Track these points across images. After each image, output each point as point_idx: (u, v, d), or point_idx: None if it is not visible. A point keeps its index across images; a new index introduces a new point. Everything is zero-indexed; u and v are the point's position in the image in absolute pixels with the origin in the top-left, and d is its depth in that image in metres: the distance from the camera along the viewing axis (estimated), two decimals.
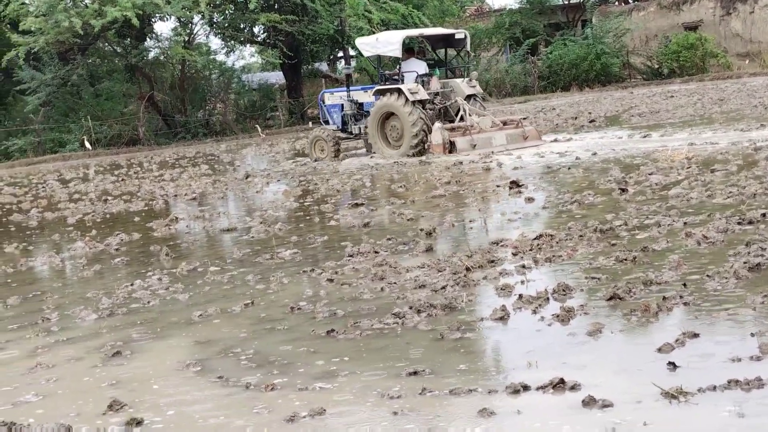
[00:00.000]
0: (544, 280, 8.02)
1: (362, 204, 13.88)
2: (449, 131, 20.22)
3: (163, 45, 42.77)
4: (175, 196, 18.82)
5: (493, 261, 8.94)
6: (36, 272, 11.67)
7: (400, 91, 20.46)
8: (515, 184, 13.87)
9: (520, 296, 7.46)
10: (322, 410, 5.50)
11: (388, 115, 21.02)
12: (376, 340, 6.87)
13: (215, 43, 46.87)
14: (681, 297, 6.89)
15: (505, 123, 21.45)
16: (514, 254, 9.16)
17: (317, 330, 7.27)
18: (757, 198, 10.59)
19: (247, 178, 20.50)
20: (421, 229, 11.07)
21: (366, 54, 24.46)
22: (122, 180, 23.56)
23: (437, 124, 20.17)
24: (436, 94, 21.50)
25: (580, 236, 9.53)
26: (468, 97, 21.36)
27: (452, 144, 19.92)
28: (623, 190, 12.21)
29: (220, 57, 46.63)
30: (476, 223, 11.55)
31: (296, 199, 15.85)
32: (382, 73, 22.73)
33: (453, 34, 22.94)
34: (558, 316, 6.85)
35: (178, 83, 39.91)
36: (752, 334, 5.98)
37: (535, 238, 9.61)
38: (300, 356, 6.69)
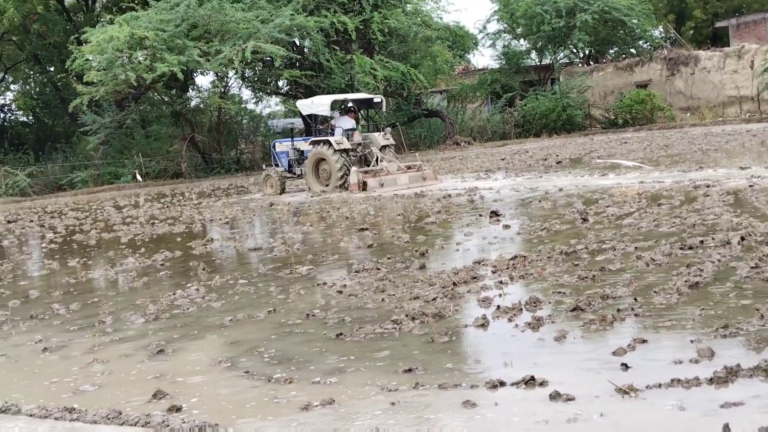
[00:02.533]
0: (518, 294, 8.01)
1: (366, 229, 13.88)
2: (363, 174, 22.21)
3: (202, 95, 42.96)
4: (211, 220, 18.82)
5: (475, 277, 8.93)
6: (94, 283, 11.66)
7: (329, 142, 22.55)
8: (495, 214, 13.87)
9: (498, 307, 7.46)
10: (332, 400, 5.49)
11: (320, 160, 23.04)
12: (378, 343, 6.85)
13: (246, 93, 46.98)
14: (632, 309, 6.89)
15: (408, 167, 23.41)
16: (494, 272, 9.15)
17: (328, 333, 7.26)
18: (696, 227, 10.60)
19: (271, 206, 20.52)
20: (416, 250, 11.07)
21: (304, 113, 26.11)
22: (167, 207, 23.57)
23: (354, 168, 22.20)
24: (359, 144, 23.61)
25: (549, 257, 9.53)
26: (383, 148, 23.47)
27: (365, 183, 21.81)
28: (584, 220, 12.22)
29: (250, 105, 46.83)
30: (461, 245, 11.53)
31: (312, 224, 15.85)
32: (316, 127, 24.23)
33: (372, 99, 25.22)
34: (529, 324, 6.85)
35: (214, 127, 39.99)
36: (692, 341, 5.98)
37: (510, 259, 9.61)
38: (314, 355, 6.68)
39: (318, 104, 24.05)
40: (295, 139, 25.56)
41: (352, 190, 21.64)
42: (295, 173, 24.74)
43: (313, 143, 23.38)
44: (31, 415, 5.78)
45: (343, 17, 34.82)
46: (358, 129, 24.39)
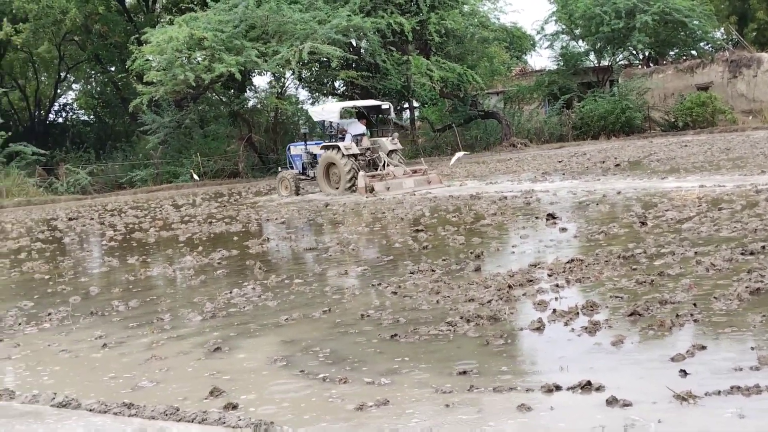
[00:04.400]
0: (575, 297, 7.96)
1: (421, 230, 13.88)
2: (370, 177, 23.02)
3: (260, 95, 43.29)
4: (267, 220, 18.97)
5: (531, 280, 8.89)
6: (152, 280, 11.81)
7: (338, 148, 23.57)
8: (551, 217, 13.78)
9: (554, 311, 7.42)
10: (386, 401, 5.51)
11: (331, 164, 24.02)
12: (432, 344, 6.86)
13: (303, 94, 47.15)
14: (692, 315, 6.81)
15: (414, 171, 24.20)
16: (550, 275, 9.11)
17: (383, 334, 7.28)
18: (757, 232, 10.42)
19: (326, 206, 20.61)
20: (471, 252, 11.04)
21: (315, 119, 26.99)
22: (224, 206, 23.81)
23: (361, 173, 23.01)
24: (367, 149, 24.43)
25: (606, 261, 9.45)
26: (390, 152, 24.44)
27: (371, 187, 22.54)
28: (643, 224, 12.09)
29: (306, 106, 47.04)
30: (517, 248, 11.48)
31: (367, 225, 15.89)
32: (327, 133, 25.61)
33: (380, 105, 26.38)
34: (586, 328, 6.80)
35: (271, 127, 40.27)
36: (752, 348, 5.90)
37: (567, 262, 9.55)
38: (368, 355, 6.71)
39: (328, 111, 25.50)
40: (308, 143, 26.32)
41: (360, 193, 22.47)
42: (308, 176, 25.73)
43: (324, 148, 24.58)
44: (90, 410, 5.88)
45: (400, 18, 34.81)
46: (367, 134, 25.27)
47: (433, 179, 23.75)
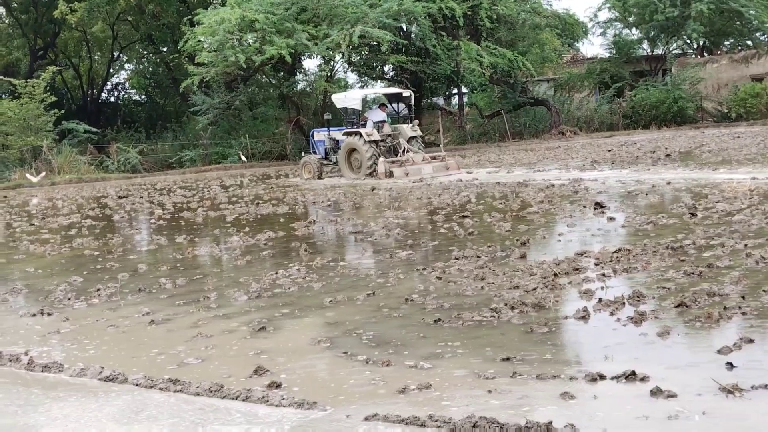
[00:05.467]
0: (621, 287, 7.89)
1: (467, 216, 13.84)
2: (390, 163, 23.88)
3: (309, 78, 43.37)
4: (314, 202, 19.05)
5: (577, 269, 8.83)
6: (200, 259, 11.93)
7: (360, 134, 24.34)
8: (599, 206, 13.67)
9: (600, 300, 7.37)
10: (429, 385, 5.51)
11: (352, 150, 24.75)
12: (476, 330, 6.85)
13: (352, 78, 47.18)
14: (740, 308, 6.72)
15: (433, 158, 24.89)
16: (596, 264, 9.04)
17: (426, 318, 7.28)
18: None
19: (372, 190, 20.64)
20: (517, 239, 11.00)
21: (338, 105, 27.06)
22: (271, 188, 23.96)
23: (381, 158, 23.81)
24: (388, 135, 25.02)
25: (654, 252, 9.35)
26: (410, 139, 25.18)
27: (391, 172, 23.41)
28: (693, 215, 11.94)
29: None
30: (564, 236, 11.41)
31: (413, 210, 15.88)
32: (349, 119, 26.31)
33: (401, 93, 27.32)
34: (632, 318, 6.75)
35: (320, 110, 40.29)
36: None
37: (614, 252, 9.47)
38: (411, 339, 6.71)
39: (351, 98, 26.34)
40: (331, 129, 26.96)
41: (380, 178, 23.30)
42: (330, 161, 26.47)
43: (346, 134, 25.34)
44: (137, 385, 5.96)
45: (451, 3, 34.63)
46: (388, 121, 26.09)
47: (451, 165, 24.41)
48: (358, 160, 24.59)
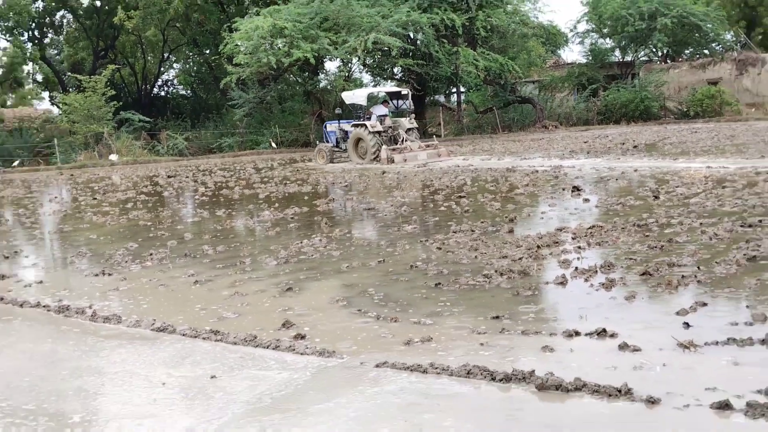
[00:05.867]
0: (594, 258, 7.87)
1: (464, 196, 13.81)
2: (391, 151, 24.25)
3: (330, 78, 43.11)
4: (333, 183, 19.01)
5: (557, 242, 8.81)
6: (236, 230, 11.94)
7: (365, 126, 24.77)
8: (576, 189, 13.61)
9: (576, 268, 7.36)
10: (430, 338, 5.53)
11: (359, 139, 25.08)
12: (470, 293, 6.85)
13: (366, 77, 46.90)
14: (695, 276, 6.70)
15: (427, 146, 25.61)
16: (573, 238, 9.01)
17: (428, 282, 7.28)
18: (755, 208, 10.19)
19: (383, 173, 20.58)
20: (506, 216, 10.97)
21: (347, 102, 27.14)
22: (297, 171, 23.92)
23: (384, 147, 24.30)
24: (389, 127, 25.42)
25: (623, 228, 9.32)
26: (408, 130, 25.55)
27: (392, 159, 23.82)
28: (656, 197, 11.89)
29: (369, 88, 46.82)
30: (546, 214, 11.37)
31: (417, 191, 15.85)
32: (356, 113, 26.58)
33: (401, 91, 27.93)
34: (603, 284, 6.74)
35: (339, 104, 40.22)
36: (747, 306, 5.81)
37: (589, 228, 9.44)
38: (415, 300, 6.72)
39: (358, 96, 26.57)
40: (341, 121, 27.19)
41: (382, 163, 23.73)
42: (340, 148, 26.65)
43: (354, 126, 25.57)
44: (184, 335, 5.99)
45: (452, 15, 34.40)
46: (389, 115, 26.23)
47: (442, 153, 24.89)
48: (364, 148, 24.96)
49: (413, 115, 27.55)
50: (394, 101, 27.92)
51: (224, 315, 6.58)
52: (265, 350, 5.49)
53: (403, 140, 25.15)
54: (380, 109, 26.20)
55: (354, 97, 26.74)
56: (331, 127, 27.67)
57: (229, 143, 37.47)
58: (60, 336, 6.20)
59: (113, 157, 32.76)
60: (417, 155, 24.31)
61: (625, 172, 16.35)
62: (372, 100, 26.88)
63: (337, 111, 27.92)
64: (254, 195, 16.77)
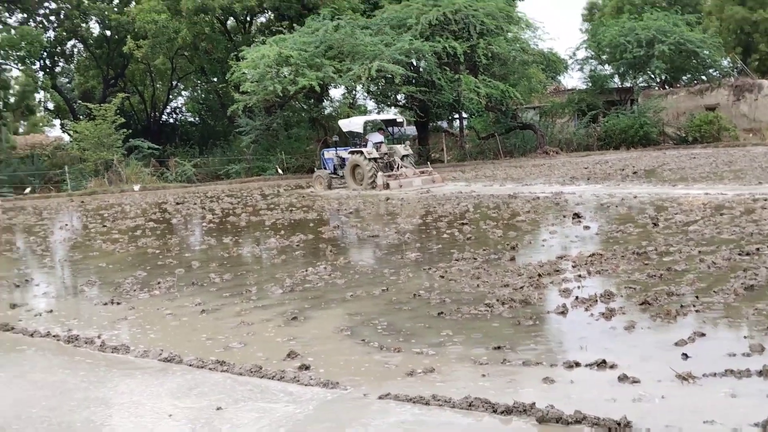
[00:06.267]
0: (595, 287, 7.87)
1: (466, 223, 13.83)
2: (387, 177, 24.60)
3: (334, 104, 43.36)
4: (338, 210, 19.02)
5: (558, 270, 8.82)
6: (243, 258, 11.95)
7: (362, 153, 25.23)
8: (576, 216, 13.63)
9: (577, 298, 7.36)
10: (432, 369, 5.53)
11: (356, 166, 25.50)
12: (472, 322, 6.85)
13: (370, 104, 47.11)
14: (694, 306, 6.70)
15: (422, 172, 25.82)
16: (574, 266, 9.02)
17: (431, 312, 7.29)
18: (753, 236, 10.20)
19: (387, 200, 20.62)
20: (507, 244, 10.98)
21: (344, 129, 27.73)
22: (302, 197, 23.98)
23: (380, 173, 24.65)
24: (385, 154, 25.86)
25: (622, 256, 9.33)
26: (403, 157, 25.96)
27: (387, 184, 24.13)
28: (655, 225, 11.90)
29: (373, 115, 47.00)
30: (547, 242, 11.38)
31: (420, 217, 15.87)
32: (353, 140, 27.21)
33: (395, 119, 28.53)
34: (603, 314, 6.74)
35: (336, 132, 40.37)
36: (745, 337, 5.80)
37: (589, 256, 9.45)
38: (418, 330, 6.72)
39: (355, 123, 26.83)
40: (338, 148, 27.71)
41: (378, 189, 24.03)
42: (338, 174, 27.00)
43: (351, 152, 26.00)
44: (190, 365, 6.00)
45: (454, 43, 34.60)
46: (385, 142, 26.89)
47: (436, 179, 25.19)
48: (361, 174, 25.31)
49: (408, 142, 28.20)
50: (390, 128, 28.61)
51: (230, 345, 6.58)
52: (270, 381, 5.49)
53: (398, 166, 25.61)
54: (376, 137, 26.72)
55: (351, 124, 27.03)
56: (329, 154, 28.18)
57: (236, 170, 37.61)
58: (69, 366, 6.21)
59: (136, 187, 33.01)
60: (412, 181, 24.70)
61: (625, 198, 16.37)
62: (368, 127, 27.37)
63: (334, 138, 28.28)
64: (261, 222, 16.80)
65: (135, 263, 11.78)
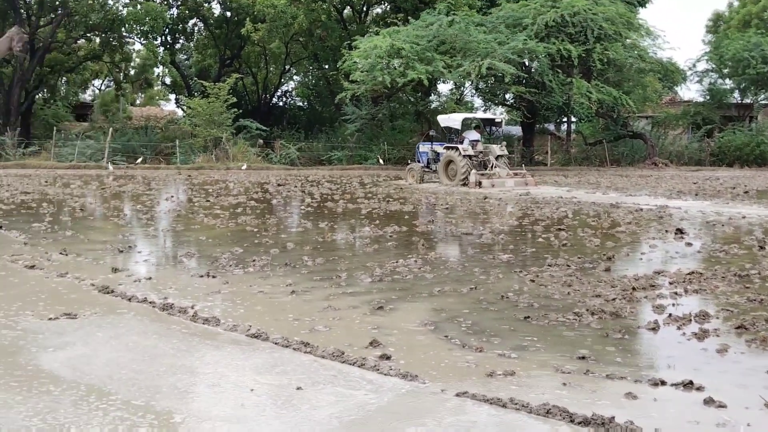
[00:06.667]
0: (690, 306, 7.63)
1: (563, 229, 13.62)
2: (480, 175, 24.68)
3: (442, 99, 43.38)
4: (434, 204, 19.06)
5: (653, 285, 8.60)
6: (336, 244, 12.13)
7: (457, 149, 25.49)
8: (680, 231, 13.22)
9: (670, 315, 7.16)
10: (513, 372, 5.49)
11: (450, 162, 25.70)
12: (559, 329, 6.76)
13: (477, 101, 46.89)
14: None
15: (516, 174, 25.86)
16: (671, 283, 8.77)
17: (517, 315, 7.23)
18: None
19: (485, 198, 20.51)
20: (604, 254, 10.77)
21: (442, 124, 27.77)
22: (401, 189, 24.11)
23: (473, 171, 24.75)
24: (480, 152, 26.05)
25: (723, 277, 9.01)
26: (498, 157, 26.04)
27: (480, 183, 24.25)
28: (762, 248, 11.42)
29: (479, 113, 46.77)
30: (645, 255, 11.09)
31: (517, 219, 15.73)
32: (449, 137, 27.19)
33: (494, 119, 28.76)
34: (696, 334, 6.53)
35: (432, 127, 40.36)
36: None
37: (688, 274, 9.17)
38: (503, 331, 6.68)
39: (453, 119, 27.06)
40: (433, 143, 27.77)
41: (470, 186, 24.14)
42: (431, 169, 27.27)
43: (447, 148, 26.22)
44: (276, 343, 6.14)
45: (569, 46, 34.02)
46: (482, 140, 26.92)
47: (530, 182, 25.23)
48: (454, 170, 25.47)
49: (504, 143, 28.25)
50: (488, 128, 28.69)
51: (316, 327, 6.70)
52: (351, 367, 5.57)
53: (492, 166, 25.71)
54: (473, 134, 26.77)
55: (449, 120, 27.23)
56: (424, 148, 28.45)
57: (339, 156, 38.10)
58: (162, 332, 6.46)
59: (243, 166, 33.97)
60: (505, 182, 24.80)
61: (733, 218, 15.78)
62: (466, 124, 27.47)
63: (431, 132, 28.48)
64: (357, 210, 16.99)
65: (233, 239, 12.12)
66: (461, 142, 26.09)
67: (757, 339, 6.32)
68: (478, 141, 26.52)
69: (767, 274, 9.28)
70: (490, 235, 12.80)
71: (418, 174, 26.91)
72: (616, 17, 35.44)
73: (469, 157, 25.41)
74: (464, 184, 24.60)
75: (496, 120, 28.48)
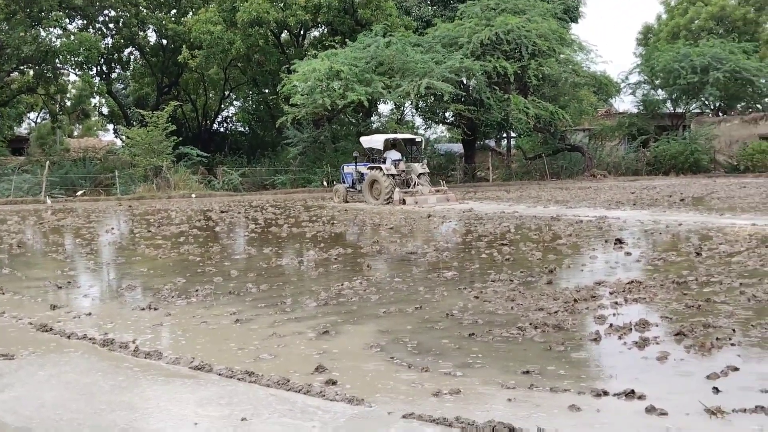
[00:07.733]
0: (630, 315, 7.74)
1: (506, 244, 13.75)
2: (404, 193, 25.98)
3: (382, 120, 43.61)
4: (378, 225, 19.07)
5: (594, 296, 8.72)
6: (281, 269, 12.02)
7: (381, 169, 26.57)
8: (619, 241, 13.46)
9: (611, 325, 7.26)
10: (459, 390, 5.49)
11: (374, 181, 26.74)
12: (503, 345, 6.80)
13: (418, 121, 47.28)
14: (730, 339, 6.57)
15: (437, 191, 27.00)
16: (611, 293, 8.90)
17: (462, 332, 7.25)
18: None
19: (429, 217, 20.61)
20: (546, 267, 10.90)
21: (365, 145, 28.69)
22: (345, 210, 24.09)
23: (397, 189, 25.99)
24: (402, 171, 27.22)
25: (661, 285, 9.19)
26: (420, 175, 27.27)
27: (404, 200, 25.43)
28: (698, 254, 11.70)
29: (420, 131, 47.13)
30: (586, 266, 11.26)
31: (461, 236, 15.82)
32: (372, 157, 28.17)
33: (414, 138, 29.66)
34: (636, 343, 6.64)
35: (355, 149, 40.58)
36: None
37: (627, 283, 9.33)
38: (448, 350, 6.69)
39: (375, 141, 28.11)
40: (357, 164, 28.57)
41: (395, 204, 25.23)
42: (356, 189, 28.18)
43: (371, 168, 27.24)
44: (219, 374, 6.05)
45: (505, 63, 34.58)
46: (403, 160, 27.93)
47: (450, 197, 26.39)
48: (379, 190, 26.45)
49: (425, 161, 29.54)
50: (408, 147, 29.52)
51: (261, 356, 6.62)
52: (296, 394, 5.50)
53: (414, 184, 26.86)
54: (394, 154, 27.78)
55: (372, 141, 28.26)
56: (348, 169, 29.24)
57: (282, 180, 37.96)
58: (102, 369, 6.31)
59: (193, 195, 33.71)
60: (427, 198, 25.88)
61: (670, 225, 16.14)
62: (387, 146, 28.35)
63: (355, 154, 28.96)
64: (302, 234, 16.90)
65: (176, 270, 11.94)
66: (384, 162, 27.17)
67: (695, 345, 6.44)
68: (400, 160, 27.61)
69: (704, 279, 9.49)
70: (435, 253, 12.86)
71: (343, 194, 27.97)
72: (549, 33, 36.16)
73: (392, 176, 26.51)
74: (388, 202, 25.64)
75: (416, 140, 29.52)
